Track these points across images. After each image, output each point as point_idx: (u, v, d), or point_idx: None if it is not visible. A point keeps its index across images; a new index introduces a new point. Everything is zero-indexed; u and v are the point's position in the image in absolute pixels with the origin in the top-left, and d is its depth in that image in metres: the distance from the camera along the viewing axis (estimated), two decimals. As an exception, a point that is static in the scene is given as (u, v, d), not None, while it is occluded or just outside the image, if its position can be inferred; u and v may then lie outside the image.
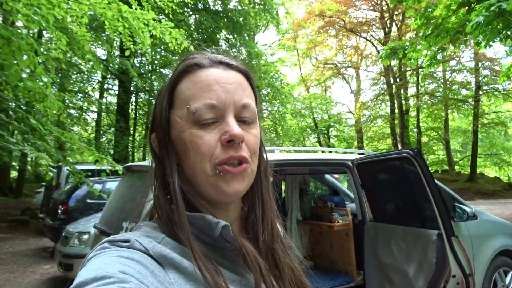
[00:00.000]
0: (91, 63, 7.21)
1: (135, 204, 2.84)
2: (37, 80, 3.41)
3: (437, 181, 3.72)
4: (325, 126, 25.73)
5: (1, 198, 13.37)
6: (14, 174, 18.54)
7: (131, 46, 4.77)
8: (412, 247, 2.86)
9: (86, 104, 14.74)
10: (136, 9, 4.85)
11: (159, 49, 13.39)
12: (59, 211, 6.94)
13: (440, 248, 2.61)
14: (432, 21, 7.10)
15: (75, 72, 13.48)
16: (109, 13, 4.23)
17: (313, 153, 4.23)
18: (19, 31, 3.53)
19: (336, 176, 5.60)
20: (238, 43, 14.94)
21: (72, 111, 15.03)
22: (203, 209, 0.59)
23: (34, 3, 3.61)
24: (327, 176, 5.23)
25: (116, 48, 13.46)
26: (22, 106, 3.76)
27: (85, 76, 14.28)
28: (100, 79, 14.56)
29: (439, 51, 7.67)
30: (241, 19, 13.89)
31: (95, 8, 4.21)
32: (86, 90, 14.65)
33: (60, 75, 11.77)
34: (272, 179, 0.71)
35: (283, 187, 5.07)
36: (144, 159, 16.58)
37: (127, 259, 0.48)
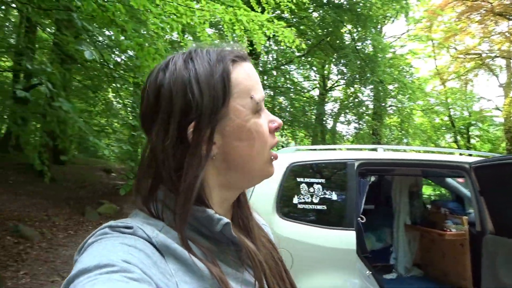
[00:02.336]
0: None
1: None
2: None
3: None
4: (464, 125, 22.71)
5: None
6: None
7: (245, 47, 5.10)
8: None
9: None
10: (255, 11, 5.16)
11: (282, 47, 13.81)
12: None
13: None
14: None
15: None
16: (226, 17, 4.61)
17: (428, 154, 3.88)
18: (155, 37, 4.16)
19: (460, 180, 4.97)
20: (363, 37, 14.33)
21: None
22: (209, 202, 0.59)
23: (166, 13, 4.20)
24: (450, 180, 4.69)
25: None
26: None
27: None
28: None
29: None
30: (366, 11, 13.26)
31: (215, 14, 4.65)
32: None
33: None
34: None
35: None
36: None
37: (130, 247, 0.48)
